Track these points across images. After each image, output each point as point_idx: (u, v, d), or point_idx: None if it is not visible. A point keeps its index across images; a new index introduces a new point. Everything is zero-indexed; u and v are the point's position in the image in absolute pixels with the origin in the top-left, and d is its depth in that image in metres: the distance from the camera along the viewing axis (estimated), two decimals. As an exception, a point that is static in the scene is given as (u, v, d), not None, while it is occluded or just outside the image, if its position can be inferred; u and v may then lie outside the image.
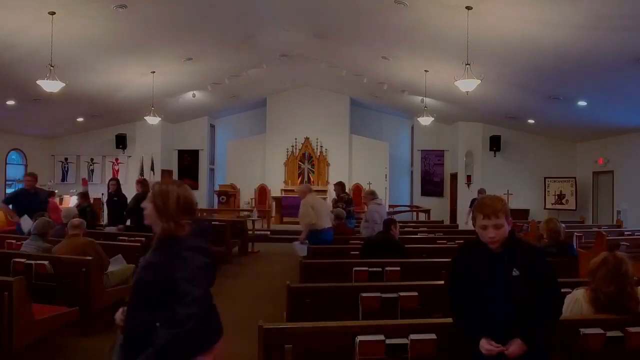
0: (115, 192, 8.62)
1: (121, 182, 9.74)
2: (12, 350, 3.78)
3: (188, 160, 16.89)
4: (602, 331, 2.74)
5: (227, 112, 17.50)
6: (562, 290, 3.50)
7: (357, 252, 5.77)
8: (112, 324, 5.49)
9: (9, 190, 13.94)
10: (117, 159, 15.65)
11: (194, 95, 13.44)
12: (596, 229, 9.60)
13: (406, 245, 5.78)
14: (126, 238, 7.11)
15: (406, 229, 9.85)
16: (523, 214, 13.79)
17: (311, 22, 9.85)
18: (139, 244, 6.38)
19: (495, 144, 14.62)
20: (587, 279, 2.90)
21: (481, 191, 11.28)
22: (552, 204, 14.12)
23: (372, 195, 8.00)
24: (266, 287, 7.46)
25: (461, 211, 14.83)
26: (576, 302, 2.89)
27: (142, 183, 8.61)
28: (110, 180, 9.25)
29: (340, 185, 9.44)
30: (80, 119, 13.91)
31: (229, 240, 9.76)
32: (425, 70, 10.17)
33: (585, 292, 2.88)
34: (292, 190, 15.19)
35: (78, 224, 5.52)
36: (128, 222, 8.35)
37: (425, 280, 4.29)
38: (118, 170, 15.54)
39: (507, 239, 2.43)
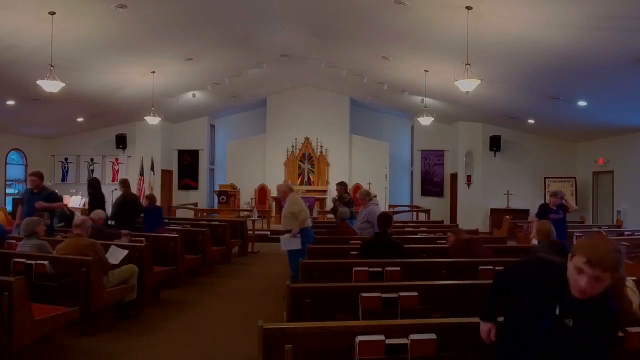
0: (93, 191, 8.56)
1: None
2: (12, 350, 3.78)
3: (188, 160, 16.90)
4: (602, 331, 2.73)
5: (227, 112, 17.51)
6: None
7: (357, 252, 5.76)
8: (112, 324, 5.52)
9: (9, 191, 13.96)
10: (117, 159, 15.66)
11: (194, 95, 13.45)
12: (596, 229, 9.61)
13: (406, 245, 5.77)
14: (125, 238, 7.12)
15: (406, 229, 9.85)
16: (523, 214, 13.81)
17: (311, 22, 9.85)
18: (140, 244, 6.39)
19: (495, 144, 14.63)
20: None
21: (555, 194, 7.86)
22: (552, 204, 14.10)
23: (369, 196, 8.01)
24: (266, 287, 7.46)
25: (462, 210, 14.86)
26: None
27: (123, 183, 8.52)
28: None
29: (342, 186, 9.48)
30: (80, 119, 13.92)
31: (229, 240, 9.76)
32: (425, 70, 10.17)
33: None
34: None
35: (80, 223, 5.41)
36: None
37: (425, 280, 4.29)
38: (118, 170, 15.55)
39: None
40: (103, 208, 8.34)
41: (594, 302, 2.05)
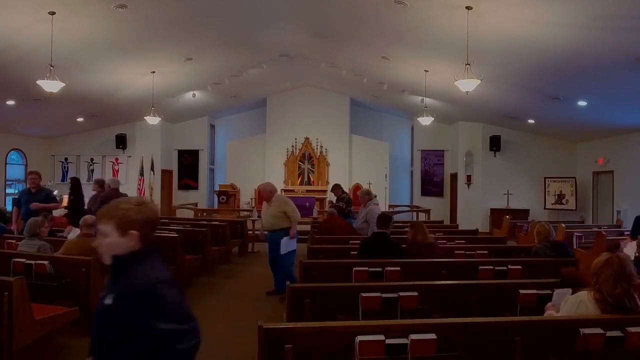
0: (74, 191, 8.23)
1: (122, 182, 9.63)
2: (12, 350, 3.78)
3: (188, 160, 16.90)
4: (602, 331, 2.73)
5: (227, 112, 17.50)
6: (558, 290, 3.50)
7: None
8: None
9: (9, 191, 13.95)
10: (117, 159, 15.66)
11: (194, 95, 13.44)
12: (596, 229, 9.60)
13: (405, 246, 5.77)
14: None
15: (406, 229, 9.83)
16: (523, 214, 13.81)
17: (311, 22, 9.84)
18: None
19: (495, 144, 14.63)
20: (590, 280, 2.89)
21: None
22: (552, 204, 14.11)
23: (369, 195, 8.02)
24: (266, 287, 7.45)
25: (462, 210, 14.85)
26: (580, 303, 2.88)
27: (98, 183, 8.19)
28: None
29: (338, 188, 9.55)
30: (80, 119, 13.91)
31: (229, 240, 9.76)
32: (425, 70, 10.17)
33: (589, 293, 2.87)
34: (293, 190, 15.20)
35: (92, 222, 5.22)
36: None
37: (425, 280, 4.29)
38: (118, 170, 15.56)
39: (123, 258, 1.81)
40: (83, 208, 7.77)
41: (122, 271, 1.80)
